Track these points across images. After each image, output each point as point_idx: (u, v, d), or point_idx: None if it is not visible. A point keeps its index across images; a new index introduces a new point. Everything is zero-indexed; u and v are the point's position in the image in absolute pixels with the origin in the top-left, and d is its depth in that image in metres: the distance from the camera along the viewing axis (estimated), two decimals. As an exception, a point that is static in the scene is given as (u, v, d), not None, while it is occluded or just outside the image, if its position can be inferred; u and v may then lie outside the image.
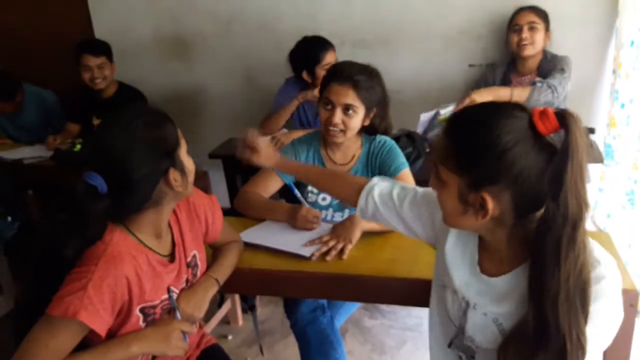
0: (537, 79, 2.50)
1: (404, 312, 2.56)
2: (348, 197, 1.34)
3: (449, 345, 1.18)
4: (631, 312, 1.30)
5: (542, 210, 0.89)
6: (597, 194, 2.74)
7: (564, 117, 0.86)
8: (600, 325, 0.92)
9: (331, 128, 1.71)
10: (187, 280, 1.32)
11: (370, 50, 2.87)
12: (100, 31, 3.44)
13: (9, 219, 2.60)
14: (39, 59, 3.61)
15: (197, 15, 3.27)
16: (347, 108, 1.69)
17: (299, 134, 2.23)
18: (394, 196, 1.25)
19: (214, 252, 1.51)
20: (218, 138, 3.00)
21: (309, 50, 2.65)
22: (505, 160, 0.87)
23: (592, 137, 2.47)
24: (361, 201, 1.29)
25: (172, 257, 1.26)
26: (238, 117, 3.40)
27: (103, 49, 2.94)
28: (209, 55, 3.34)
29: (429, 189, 1.19)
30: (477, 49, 2.92)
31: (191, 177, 1.21)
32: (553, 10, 2.64)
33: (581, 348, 0.88)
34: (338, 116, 1.69)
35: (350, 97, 1.68)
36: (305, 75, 2.67)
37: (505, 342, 0.97)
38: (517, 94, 2.41)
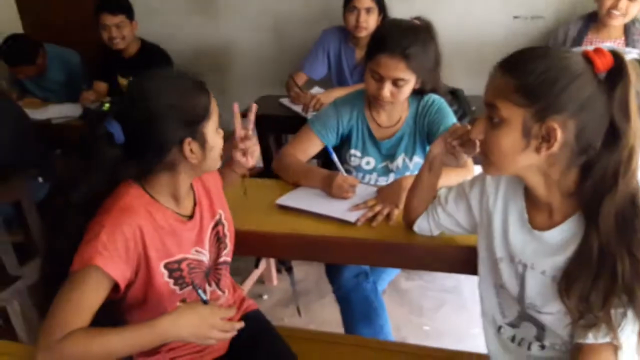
0: None
1: (442, 274, 2.52)
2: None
3: (499, 330, 1.19)
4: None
5: (598, 144, 0.94)
6: None
7: (617, 54, 0.93)
8: None
9: (380, 100, 1.60)
10: (218, 239, 1.31)
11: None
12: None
13: (40, 179, 2.59)
14: (62, 19, 3.53)
15: (222, -34, 3.14)
16: (396, 80, 1.56)
17: (339, 93, 2.13)
18: (441, 197, 1.30)
19: None
20: (248, 96, 2.90)
21: None
22: (572, 89, 0.91)
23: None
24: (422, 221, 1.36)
25: (191, 216, 1.25)
26: (267, 73, 3.31)
27: (121, 7, 2.83)
28: (235, 9, 3.23)
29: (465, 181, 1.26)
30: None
31: (213, 154, 1.18)
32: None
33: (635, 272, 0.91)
34: (387, 89, 1.57)
35: (401, 70, 1.54)
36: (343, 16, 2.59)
37: (565, 274, 0.99)
38: None
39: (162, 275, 1.16)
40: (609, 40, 2.43)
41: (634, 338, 0.95)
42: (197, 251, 1.25)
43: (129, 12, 2.85)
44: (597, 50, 0.94)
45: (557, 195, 1.02)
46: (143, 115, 1.09)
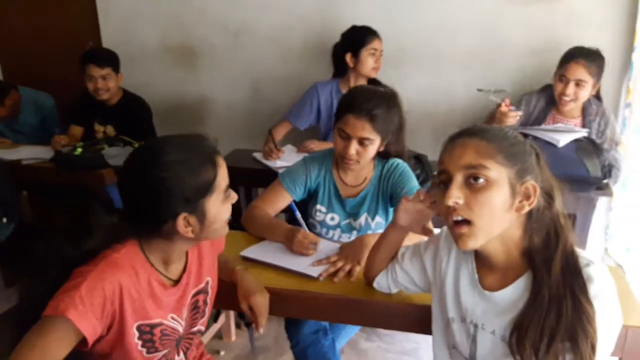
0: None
1: (401, 335, 2.52)
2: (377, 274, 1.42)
3: None
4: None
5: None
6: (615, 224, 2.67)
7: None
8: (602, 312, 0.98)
9: (346, 159, 1.68)
10: (197, 307, 1.29)
11: (380, 69, 2.87)
12: (108, 36, 3.43)
13: (4, 220, 2.54)
14: (45, 62, 3.59)
15: (206, 25, 3.26)
16: (362, 140, 1.65)
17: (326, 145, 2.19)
18: (399, 255, 1.36)
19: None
20: (222, 149, 2.95)
21: (358, 33, 2.68)
22: (532, 154, 1.05)
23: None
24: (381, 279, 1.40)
25: (176, 282, 1.23)
26: (243, 128, 3.38)
27: (109, 60, 2.88)
28: (216, 65, 3.33)
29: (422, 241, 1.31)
30: (485, 73, 2.90)
31: (215, 226, 1.16)
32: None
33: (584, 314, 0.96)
34: (353, 148, 1.65)
35: (367, 130, 1.63)
36: (349, 57, 2.68)
37: (515, 329, 1.03)
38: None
39: (133, 336, 1.14)
40: (570, 119, 2.53)
41: None
42: (173, 318, 1.22)
43: (115, 65, 2.90)
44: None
45: (514, 256, 1.07)
46: (142, 187, 1.09)
